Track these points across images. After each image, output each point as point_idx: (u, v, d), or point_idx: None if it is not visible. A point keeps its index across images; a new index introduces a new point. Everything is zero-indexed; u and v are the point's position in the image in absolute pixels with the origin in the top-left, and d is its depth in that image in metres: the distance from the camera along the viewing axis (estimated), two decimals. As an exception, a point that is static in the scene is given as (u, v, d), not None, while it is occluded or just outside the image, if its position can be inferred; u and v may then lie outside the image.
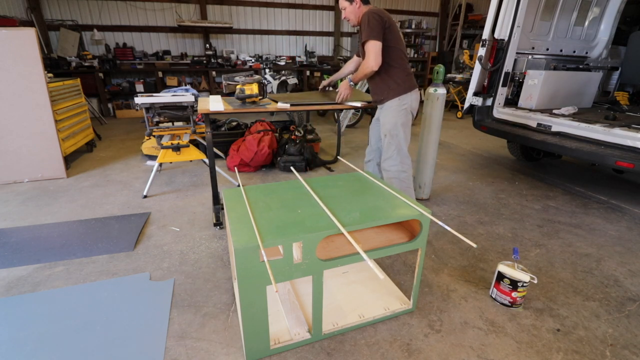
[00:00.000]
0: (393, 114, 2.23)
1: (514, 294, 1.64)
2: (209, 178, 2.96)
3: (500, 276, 1.67)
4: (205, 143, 2.92)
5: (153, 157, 3.90)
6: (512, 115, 3.33)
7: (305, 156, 3.60)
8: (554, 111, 3.23)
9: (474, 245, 1.20)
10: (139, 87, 6.72)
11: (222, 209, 2.43)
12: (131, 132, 5.38)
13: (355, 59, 2.57)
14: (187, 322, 1.57)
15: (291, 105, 2.31)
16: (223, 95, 3.37)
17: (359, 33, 2.16)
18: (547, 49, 3.65)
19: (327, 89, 2.80)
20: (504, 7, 3.14)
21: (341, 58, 8.38)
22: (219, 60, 7.17)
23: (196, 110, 2.93)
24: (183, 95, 2.91)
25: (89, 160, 3.93)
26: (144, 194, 2.94)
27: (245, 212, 1.41)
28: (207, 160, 2.64)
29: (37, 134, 3.18)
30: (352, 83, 2.29)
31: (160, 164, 3.19)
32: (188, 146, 2.94)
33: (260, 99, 2.40)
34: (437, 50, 9.47)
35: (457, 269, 1.99)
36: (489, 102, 3.49)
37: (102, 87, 6.44)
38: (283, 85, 7.01)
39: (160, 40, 7.13)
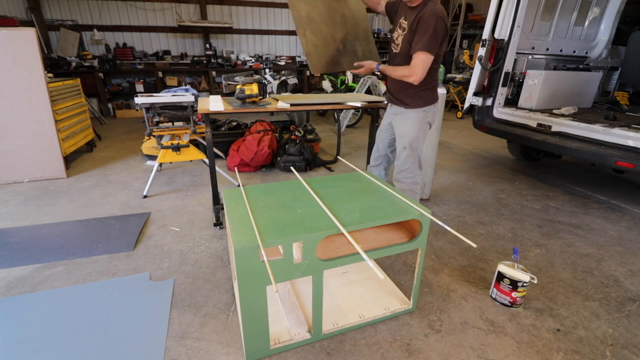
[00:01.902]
0: (416, 126, 2.07)
1: (514, 294, 1.64)
2: (209, 178, 2.96)
3: (500, 276, 1.67)
4: (205, 143, 2.92)
5: (153, 157, 3.90)
6: (512, 115, 3.33)
7: (305, 156, 3.60)
8: (554, 111, 3.23)
9: (474, 245, 1.20)
10: (139, 87, 6.73)
11: (222, 209, 2.43)
12: (131, 132, 5.38)
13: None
14: (187, 322, 1.57)
15: (291, 105, 2.30)
16: (223, 95, 3.37)
17: (412, 22, 1.87)
18: (547, 49, 3.65)
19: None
20: (504, 7, 3.14)
21: (341, 58, 8.35)
22: (219, 60, 7.17)
23: (196, 110, 2.93)
24: (183, 95, 2.91)
25: (89, 160, 3.93)
26: (144, 194, 2.94)
27: (245, 212, 1.41)
28: (207, 160, 2.64)
29: (37, 134, 3.18)
30: (378, 72, 2.08)
31: (160, 164, 3.18)
32: (188, 146, 2.94)
33: (260, 99, 2.40)
34: (437, 50, 9.46)
35: (457, 269, 1.99)
36: (489, 102, 3.49)
37: (102, 87, 6.44)
38: (283, 85, 7.00)
39: (160, 40, 7.13)
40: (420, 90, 2.02)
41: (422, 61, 1.84)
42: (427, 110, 2.07)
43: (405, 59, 1.96)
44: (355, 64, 2.17)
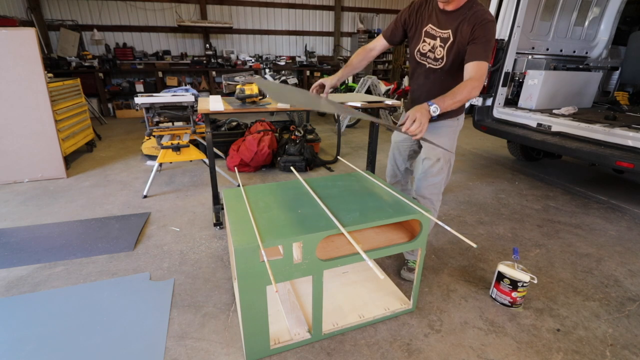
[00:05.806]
0: (450, 136, 1.82)
1: (514, 294, 1.64)
2: (209, 178, 2.96)
3: (500, 276, 1.67)
4: (205, 143, 2.92)
5: (153, 157, 3.90)
6: (512, 115, 3.33)
7: (305, 156, 3.60)
8: (554, 111, 3.23)
9: (474, 245, 1.20)
10: (139, 87, 6.73)
11: (222, 209, 2.43)
12: (131, 132, 5.38)
13: (363, 51, 1.85)
14: (187, 322, 1.57)
15: (291, 105, 2.30)
16: (223, 95, 3.37)
17: (461, 28, 1.56)
18: (547, 49, 3.65)
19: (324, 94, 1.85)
20: (504, 7, 3.14)
21: (341, 58, 8.38)
22: (219, 60, 7.17)
23: (196, 110, 2.93)
24: (183, 95, 2.91)
25: (89, 160, 3.92)
26: (144, 194, 2.94)
27: (245, 212, 1.41)
28: (207, 160, 2.64)
29: (37, 134, 3.18)
30: (434, 108, 1.42)
31: (160, 164, 3.18)
32: (188, 146, 2.94)
33: (260, 99, 2.40)
34: (437, 50, 9.46)
35: (457, 269, 1.99)
36: (489, 102, 3.49)
37: (102, 87, 6.44)
38: (283, 85, 7.01)
39: (160, 40, 7.14)
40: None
41: (482, 71, 1.53)
42: (460, 118, 1.85)
43: (450, 74, 1.66)
44: (398, 127, 1.46)
